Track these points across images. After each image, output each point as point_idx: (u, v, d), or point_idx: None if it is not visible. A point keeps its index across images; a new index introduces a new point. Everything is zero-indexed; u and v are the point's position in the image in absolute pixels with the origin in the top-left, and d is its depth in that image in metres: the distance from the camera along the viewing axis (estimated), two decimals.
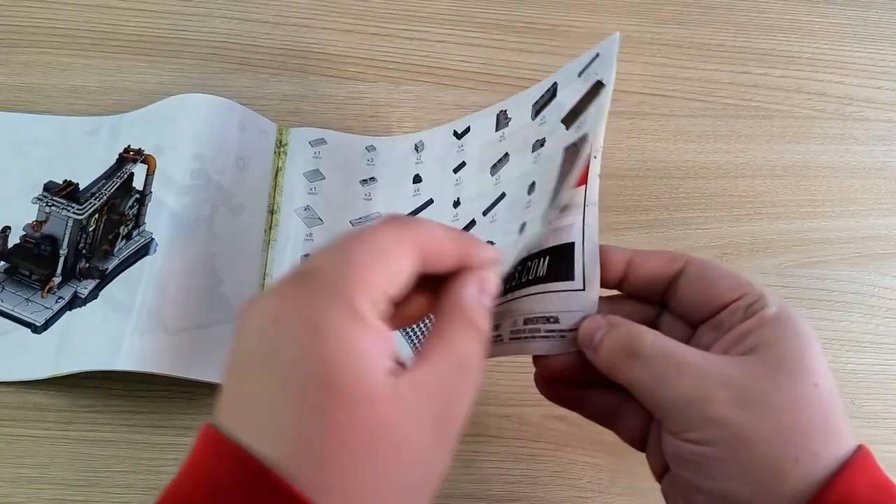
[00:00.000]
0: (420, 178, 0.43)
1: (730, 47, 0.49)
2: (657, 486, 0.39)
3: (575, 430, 0.40)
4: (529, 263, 0.30)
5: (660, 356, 0.26)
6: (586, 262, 0.28)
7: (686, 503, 0.27)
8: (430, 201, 0.42)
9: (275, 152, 0.43)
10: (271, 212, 0.42)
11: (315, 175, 0.43)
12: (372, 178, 0.44)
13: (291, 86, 0.46)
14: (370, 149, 0.44)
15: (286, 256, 0.41)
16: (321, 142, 0.44)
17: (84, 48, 0.46)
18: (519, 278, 0.30)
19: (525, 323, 0.29)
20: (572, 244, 0.29)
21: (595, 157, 0.29)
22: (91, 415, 0.38)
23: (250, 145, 0.42)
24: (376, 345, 0.21)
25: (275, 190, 0.43)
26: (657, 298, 0.29)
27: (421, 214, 0.42)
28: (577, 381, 0.30)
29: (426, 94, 0.47)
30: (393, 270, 0.22)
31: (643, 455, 0.39)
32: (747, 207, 0.45)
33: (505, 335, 0.30)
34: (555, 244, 0.29)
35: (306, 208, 0.42)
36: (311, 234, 0.42)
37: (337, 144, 0.44)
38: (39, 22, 0.46)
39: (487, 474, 0.39)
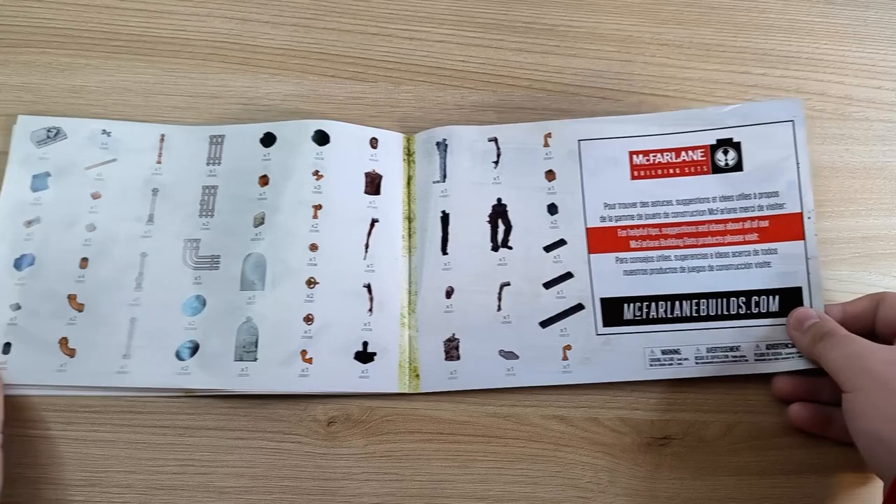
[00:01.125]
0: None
1: (730, 47, 0.49)
2: (656, 486, 0.39)
3: (575, 431, 0.40)
4: (757, 299, 0.41)
5: (845, 335, 0.37)
6: (814, 303, 0.40)
7: (869, 460, 0.34)
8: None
9: (404, 160, 0.44)
10: (408, 219, 0.43)
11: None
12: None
13: (291, 86, 0.46)
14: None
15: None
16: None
17: (84, 48, 0.46)
18: (748, 310, 0.41)
19: (767, 348, 0.40)
20: (799, 288, 0.41)
21: (809, 219, 0.41)
22: (91, 415, 0.38)
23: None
24: None
25: (409, 198, 0.43)
26: (867, 333, 0.38)
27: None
28: (819, 400, 0.40)
29: (426, 94, 0.47)
30: None
31: (643, 456, 0.39)
32: None
33: (749, 356, 0.40)
34: (781, 286, 0.41)
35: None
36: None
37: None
38: (39, 22, 0.46)
39: (487, 474, 0.39)
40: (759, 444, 0.40)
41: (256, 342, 0.38)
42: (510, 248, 0.42)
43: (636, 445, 0.40)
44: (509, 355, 0.40)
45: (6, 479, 0.36)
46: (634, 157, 0.43)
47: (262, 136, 0.43)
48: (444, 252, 0.42)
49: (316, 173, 0.42)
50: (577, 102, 0.47)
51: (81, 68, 0.45)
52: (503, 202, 0.43)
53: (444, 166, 0.43)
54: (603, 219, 0.42)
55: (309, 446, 0.39)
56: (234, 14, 0.48)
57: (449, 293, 0.41)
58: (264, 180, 0.42)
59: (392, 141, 0.44)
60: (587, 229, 0.42)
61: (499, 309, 0.41)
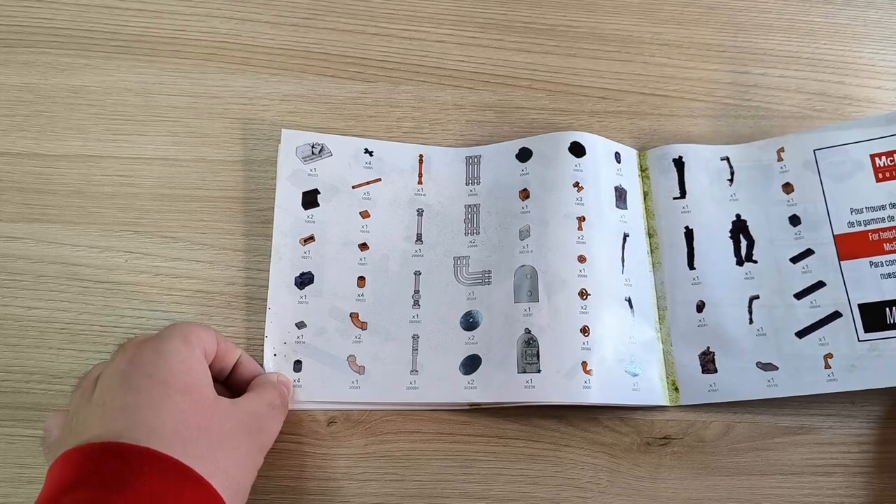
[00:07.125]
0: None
1: (730, 47, 0.49)
2: (656, 486, 0.39)
3: (575, 431, 0.40)
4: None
5: None
6: None
7: None
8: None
9: (639, 177, 0.45)
10: (649, 235, 0.43)
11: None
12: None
13: (291, 86, 0.46)
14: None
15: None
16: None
17: (84, 48, 0.46)
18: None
19: None
20: None
21: None
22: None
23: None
24: (203, 365, 0.33)
25: (647, 214, 0.44)
26: None
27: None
28: None
29: (425, 94, 0.47)
30: (204, 335, 0.34)
31: (642, 455, 0.39)
32: None
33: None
34: None
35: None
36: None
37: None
38: (39, 22, 0.46)
39: (487, 474, 0.39)
40: (759, 444, 0.40)
41: (538, 354, 0.39)
42: (755, 261, 0.42)
43: (636, 445, 0.40)
44: (768, 367, 0.40)
45: (6, 478, 0.37)
46: (877, 159, 0.42)
47: (517, 151, 0.44)
48: (692, 267, 0.42)
49: (576, 185, 0.42)
50: (576, 102, 0.47)
51: (81, 68, 0.45)
52: (742, 218, 0.43)
53: (683, 182, 0.44)
54: (851, 224, 0.42)
55: (309, 446, 0.39)
56: (234, 14, 0.48)
57: (700, 307, 0.42)
58: (525, 194, 0.42)
59: (630, 156, 0.45)
60: (835, 236, 0.42)
61: (751, 322, 0.41)
